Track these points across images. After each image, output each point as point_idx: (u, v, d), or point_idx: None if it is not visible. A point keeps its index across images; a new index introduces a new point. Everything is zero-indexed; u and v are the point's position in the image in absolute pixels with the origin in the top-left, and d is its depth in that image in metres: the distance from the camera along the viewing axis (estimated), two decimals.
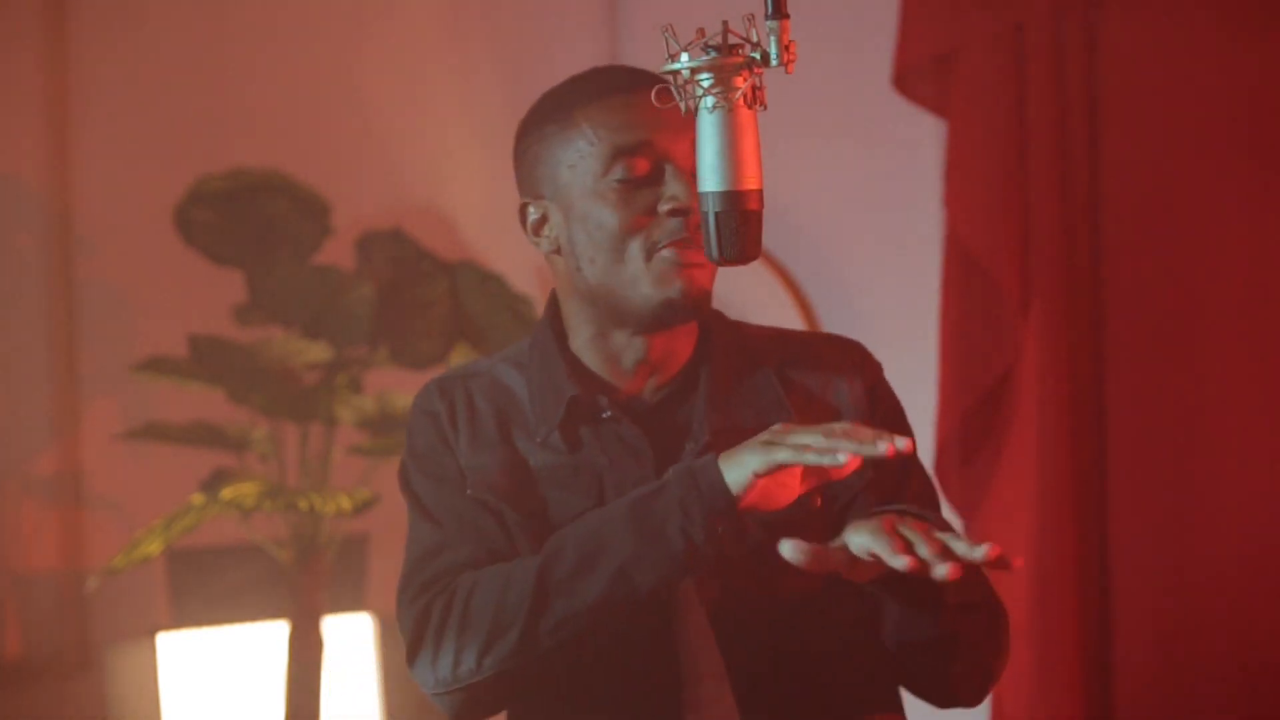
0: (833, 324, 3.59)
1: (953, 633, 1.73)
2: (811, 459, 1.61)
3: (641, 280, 1.75)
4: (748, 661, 1.75)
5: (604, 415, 1.78)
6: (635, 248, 1.74)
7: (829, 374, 1.85)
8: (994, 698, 3.24)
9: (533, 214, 1.81)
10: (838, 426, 1.63)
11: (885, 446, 1.59)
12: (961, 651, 1.75)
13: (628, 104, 1.76)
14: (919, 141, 3.44)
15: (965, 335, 3.25)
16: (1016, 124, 3.20)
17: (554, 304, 1.85)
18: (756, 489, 1.65)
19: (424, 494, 1.83)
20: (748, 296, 3.65)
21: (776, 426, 1.66)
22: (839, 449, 1.60)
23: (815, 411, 1.81)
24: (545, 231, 1.81)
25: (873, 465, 1.73)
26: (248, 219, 3.37)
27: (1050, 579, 3.15)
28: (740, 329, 1.88)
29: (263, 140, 3.64)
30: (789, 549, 1.61)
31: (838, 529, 1.69)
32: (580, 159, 1.76)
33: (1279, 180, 3.08)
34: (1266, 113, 3.08)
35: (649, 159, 1.75)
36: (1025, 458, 3.18)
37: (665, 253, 1.74)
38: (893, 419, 1.87)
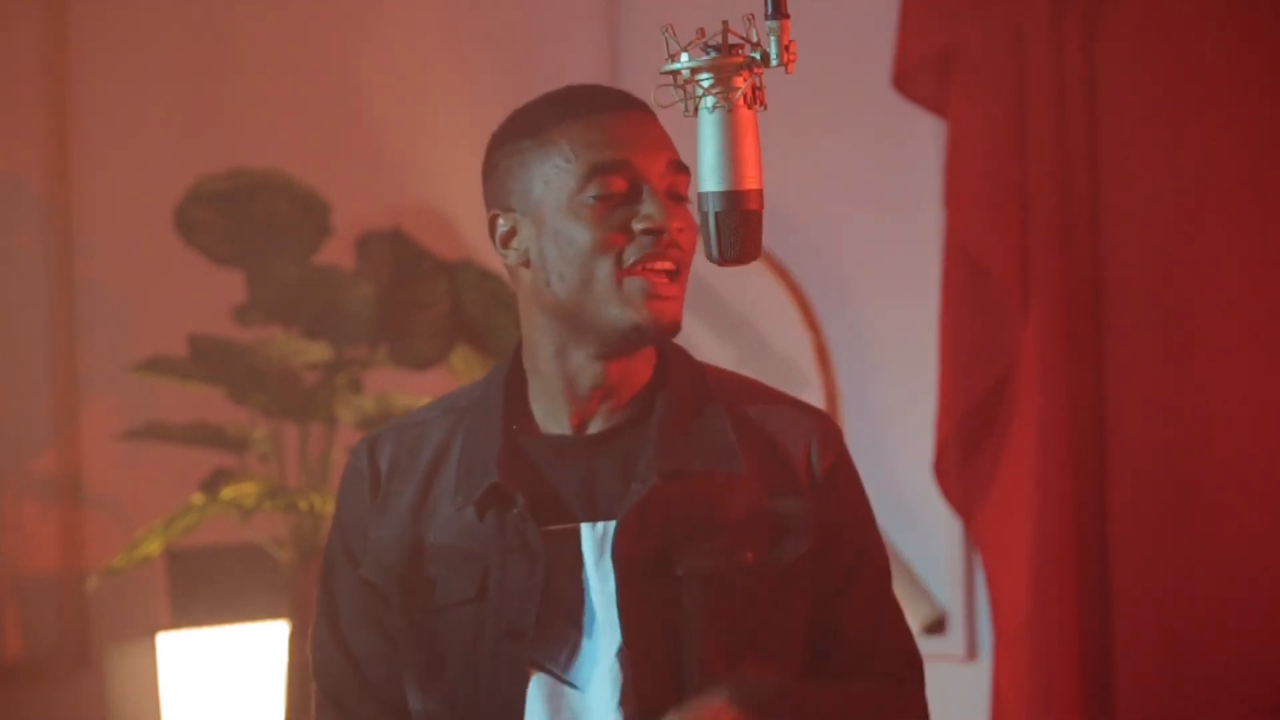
0: (833, 324, 3.59)
1: None
2: None
3: (610, 301, 1.73)
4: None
5: (514, 511, 1.76)
6: (606, 267, 1.73)
7: (791, 434, 1.81)
8: (994, 698, 3.24)
9: (502, 226, 1.82)
10: None
11: None
12: None
13: (606, 123, 1.76)
14: (919, 141, 3.44)
15: (965, 335, 3.25)
16: (1016, 124, 3.20)
17: (518, 349, 1.84)
18: None
19: (344, 604, 1.83)
20: (748, 296, 3.65)
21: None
22: None
23: (768, 471, 1.79)
24: (514, 244, 1.81)
25: (813, 534, 1.75)
26: (248, 219, 3.37)
27: (1050, 579, 3.15)
28: (702, 368, 1.85)
29: (263, 140, 3.64)
30: None
31: (775, 594, 1.74)
32: (556, 175, 1.76)
33: (1278, 180, 3.08)
34: (1266, 112, 3.08)
35: (625, 178, 1.74)
36: (1025, 458, 3.18)
37: (636, 281, 1.73)
38: (852, 499, 1.84)
